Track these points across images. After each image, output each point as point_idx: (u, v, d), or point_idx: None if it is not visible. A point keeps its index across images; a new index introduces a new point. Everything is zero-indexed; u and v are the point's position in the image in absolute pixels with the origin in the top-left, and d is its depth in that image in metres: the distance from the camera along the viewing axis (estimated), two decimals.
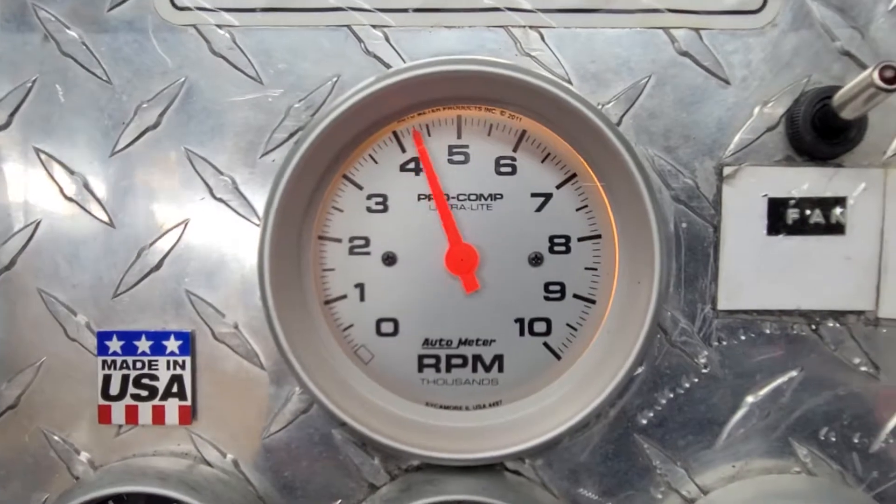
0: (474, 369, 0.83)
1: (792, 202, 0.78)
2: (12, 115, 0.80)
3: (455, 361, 0.83)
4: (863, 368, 0.79)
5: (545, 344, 0.83)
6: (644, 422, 0.81)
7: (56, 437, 0.82)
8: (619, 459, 0.81)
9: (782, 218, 0.78)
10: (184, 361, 0.81)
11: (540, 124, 0.80)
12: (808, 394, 0.79)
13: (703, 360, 0.80)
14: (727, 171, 0.78)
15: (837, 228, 0.78)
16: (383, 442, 0.76)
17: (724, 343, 0.80)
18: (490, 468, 0.81)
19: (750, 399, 0.80)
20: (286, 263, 0.79)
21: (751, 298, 0.78)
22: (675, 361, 0.80)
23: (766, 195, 0.78)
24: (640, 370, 0.80)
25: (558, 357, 0.83)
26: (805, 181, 0.78)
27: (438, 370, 0.83)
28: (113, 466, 0.82)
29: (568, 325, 0.82)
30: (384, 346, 0.83)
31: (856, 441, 0.80)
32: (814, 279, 0.78)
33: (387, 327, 0.83)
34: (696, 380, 0.80)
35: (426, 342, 0.83)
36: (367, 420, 0.77)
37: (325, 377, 0.78)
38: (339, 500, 0.82)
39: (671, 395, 0.80)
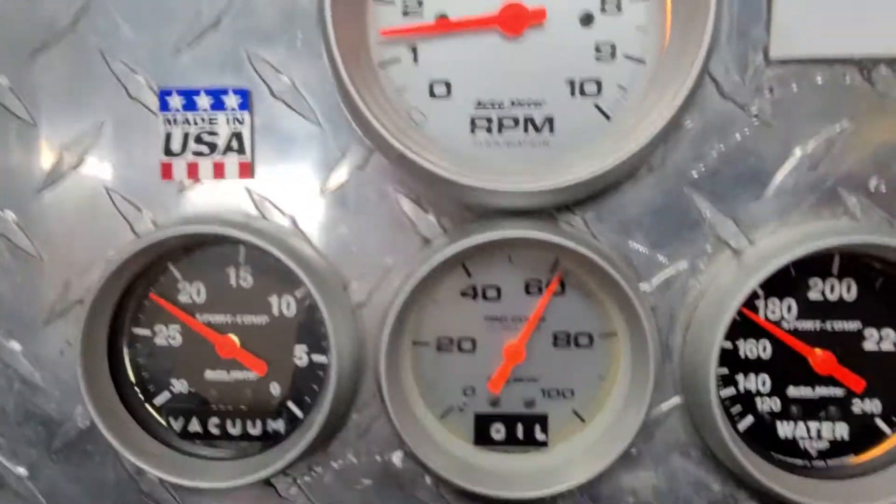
0: (526, 130, 0.84)
1: None
2: None
3: (507, 123, 0.84)
4: None
5: (596, 105, 0.84)
6: (695, 174, 0.82)
7: (119, 196, 0.85)
8: (669, 212, 0.83)
9: None
10: (243, 117, 0.83)
11: None
12: (858, 144, 0.80)
13: (754, 111, 0.80)
14: None
15: None
16: (441, 174, 0.76)
17: (776, 93, 0.80)
18: (542, 214, 0.83)
19: (799, 150, 0.81)
20: (346, 24, 0.80)
21: (803, 46, 0.79)
22: (726, 113, 0.81)
23: None
24: (690, 123, 0.81)
25: (608, 118, 0.84)
26: None
27: (490, 131, 0.84)
28: (175, 221, 0.84)
29: (619, 86, 0.83)
30: (437, 107, 0.84)
31: None
32: (868, 24, 0.78)
33: (439, 90, 0.84)
34: (747, 131, 0.81)
35: (478, 104, 0.84)
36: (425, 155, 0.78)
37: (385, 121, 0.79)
38: (394, 255, 0.84)
39: (721, 148, 0.81)
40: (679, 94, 0.77)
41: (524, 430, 0.86)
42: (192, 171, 0.84)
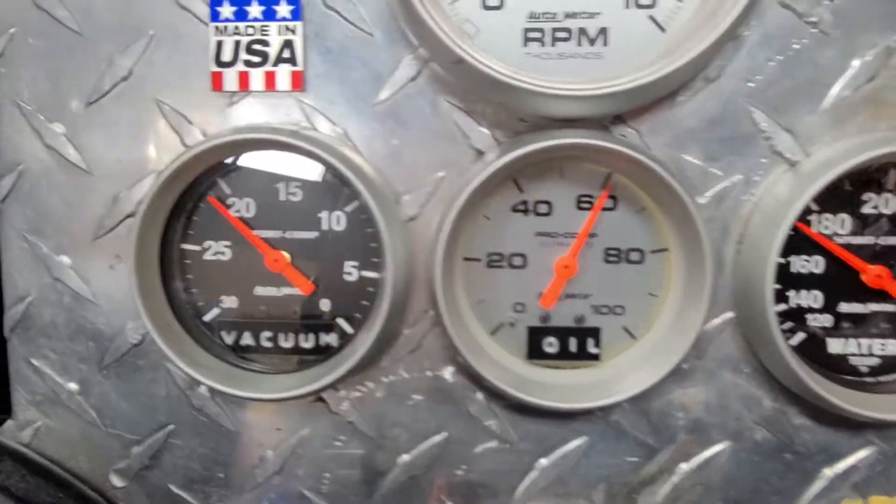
0: (579, 43, 0.83)
1: None
2: None
3: (560, 35, 0.83)
4: None
5: (651, 17, 0.83)
6: (751, 86, 0.81)
7: (169, 107, 0.84)
8: (724, 125, 0.82)
9: None
10: (295, 27, 0.82)
11: None
12: None
13: (814, 19, 0.79)
14: None
15: None
16: (498, 77, 0.75)
17: (835, 1, 0.79)
18: (595, 126, 0.82)
19: (857, 61, 0.80)
20: None
21: None
22: (785, 22, 0.80)
23: None
24: (747, 33, 0.80)
25: (663, 29, 0.83)
26: None
27: (543, 44, 0.83)
28: (224, 131, 0.83)
29: None
30: (489, 19, 0.83)
31: None
32: None
33: (492, 0, 0.83)
34: (806, 41, 0.80)
35: (531, 16, 0.83)
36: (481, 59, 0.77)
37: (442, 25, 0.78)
38: (445, 168, 0.84)
39: (780, 58, 0.80)
40: (738, 3, 0.76)
41: (577, 344, 0.86)
42: (244, 81, 0.83)
